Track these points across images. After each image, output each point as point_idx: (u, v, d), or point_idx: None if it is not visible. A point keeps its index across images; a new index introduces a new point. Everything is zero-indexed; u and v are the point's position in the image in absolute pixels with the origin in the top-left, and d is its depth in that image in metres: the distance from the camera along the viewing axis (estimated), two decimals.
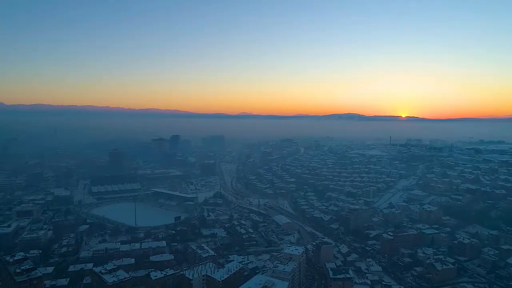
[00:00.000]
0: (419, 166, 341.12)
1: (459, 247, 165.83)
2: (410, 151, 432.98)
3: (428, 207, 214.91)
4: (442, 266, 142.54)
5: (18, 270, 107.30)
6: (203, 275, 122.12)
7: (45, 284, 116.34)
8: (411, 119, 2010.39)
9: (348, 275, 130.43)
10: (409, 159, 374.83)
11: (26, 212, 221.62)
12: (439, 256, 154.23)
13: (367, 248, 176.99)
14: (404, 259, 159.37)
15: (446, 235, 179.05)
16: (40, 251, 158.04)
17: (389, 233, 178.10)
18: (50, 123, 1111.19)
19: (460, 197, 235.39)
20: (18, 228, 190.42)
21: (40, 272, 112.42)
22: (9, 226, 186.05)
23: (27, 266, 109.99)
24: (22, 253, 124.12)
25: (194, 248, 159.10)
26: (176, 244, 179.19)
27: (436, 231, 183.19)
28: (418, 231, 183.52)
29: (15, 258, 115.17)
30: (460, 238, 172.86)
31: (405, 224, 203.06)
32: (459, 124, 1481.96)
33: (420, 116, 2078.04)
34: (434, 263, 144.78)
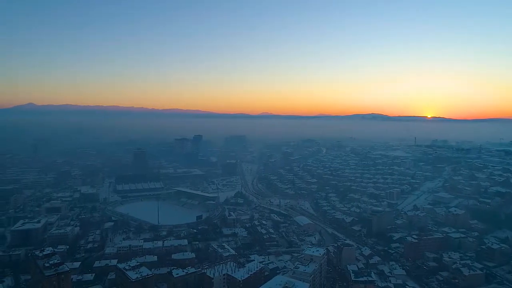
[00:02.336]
0: (445, 168, 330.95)
1: (487, 252, 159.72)
2: (435, 152, 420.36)
3: (455, 210, 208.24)
4: (469, 272, 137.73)
5: (46, 265, 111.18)
6: (224, 274, 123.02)
7: (72, 279, 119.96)
8: (437, 120, 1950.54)
9: (370, 278, 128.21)
10: (434, 161, 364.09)
11: (55, 209, 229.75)
12: (466, 261, 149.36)
13: (390, 251, 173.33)
14: (429, 263, 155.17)
15: (474, 239, 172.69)
16: (68, 247, 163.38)
17: (413, 236, 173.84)
18: (77, 123, 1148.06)
19: (489, 201, 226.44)
20: (47, 224, 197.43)
21: (67, 267, 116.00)
22: (38, 221, 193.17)
23: (55, 261, 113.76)
24: (50, 248, 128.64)
25: (215, 247, 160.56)
26: (197, 242, 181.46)
27: (463, 235, 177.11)
28: (444, 234, 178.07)
29: (44, 252, 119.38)
30: (488, 243, 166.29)
31: (430, 227, 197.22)
32: (488, 125, 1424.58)
33: (447, 117, 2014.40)
34: (460, 268, 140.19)
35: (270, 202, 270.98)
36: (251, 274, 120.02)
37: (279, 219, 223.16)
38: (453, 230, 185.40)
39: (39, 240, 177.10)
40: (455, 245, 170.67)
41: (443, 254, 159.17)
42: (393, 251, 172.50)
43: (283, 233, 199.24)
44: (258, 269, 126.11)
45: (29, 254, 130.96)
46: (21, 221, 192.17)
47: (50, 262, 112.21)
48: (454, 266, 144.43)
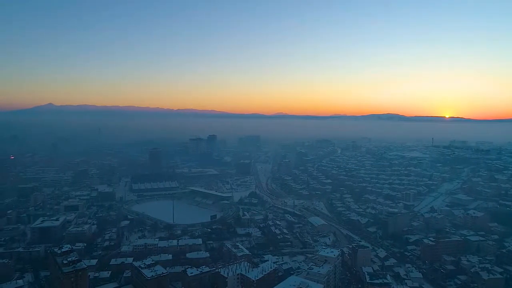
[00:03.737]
0: (464, 169, 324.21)
1: (508, 256, 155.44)
2: (454, 153, 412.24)
3: (474, 213, 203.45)
4: (488, 276, 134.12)
5: (65, 261, 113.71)
6: (238, 274, 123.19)
7: (89, 276, 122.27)
8: (456, 120, 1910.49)
9: (385, 280, 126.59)
10: (453, 162, 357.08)
11: (73, 207, 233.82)
12: (485, 264, 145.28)
13: (406, 253, 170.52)
14: (446, 266, 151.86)
15: (494, 242, 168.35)
16: (85, 244, 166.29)
17: (430, 238, 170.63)
18: (95, 123, 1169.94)
19: (510, 203, 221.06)
20: (65, 222, 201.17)
21: (85, 264, 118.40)
22: (57, 219, 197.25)
23: (73, 258, 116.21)
24: (68, 245, 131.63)
25: (229, 246, 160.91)
26: (211, 242, 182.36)
27: (482, 238, 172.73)
28: (462, 237, 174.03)
29: (63, 250, 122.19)
30: (509, 246, 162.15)
31: (447, 229, 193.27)
32: (509, 125, 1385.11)
33: (466, 117, 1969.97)
34: (479, 272, 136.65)
35: (284, 202, 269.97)
36: (265, 274, 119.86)
37: (293, 219, 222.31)
38: (472, 233, 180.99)
39: (57, 237, 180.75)
40: (474, 248, 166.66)
41: (461, 257, 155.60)
42: (409, 254, 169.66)
43: (297, 234, 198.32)
44: (272, 269, 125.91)
45: (48, 251, 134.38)
46: (41, 219, 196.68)
47: (68, 259, 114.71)
48: (472, 270, 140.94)
